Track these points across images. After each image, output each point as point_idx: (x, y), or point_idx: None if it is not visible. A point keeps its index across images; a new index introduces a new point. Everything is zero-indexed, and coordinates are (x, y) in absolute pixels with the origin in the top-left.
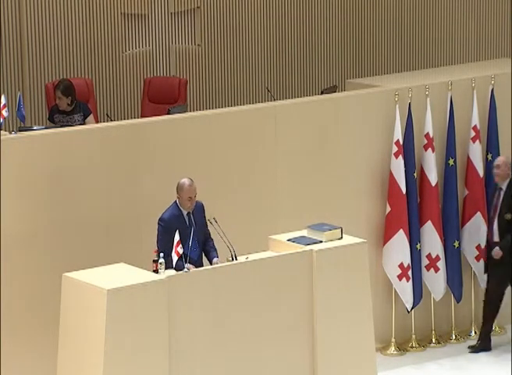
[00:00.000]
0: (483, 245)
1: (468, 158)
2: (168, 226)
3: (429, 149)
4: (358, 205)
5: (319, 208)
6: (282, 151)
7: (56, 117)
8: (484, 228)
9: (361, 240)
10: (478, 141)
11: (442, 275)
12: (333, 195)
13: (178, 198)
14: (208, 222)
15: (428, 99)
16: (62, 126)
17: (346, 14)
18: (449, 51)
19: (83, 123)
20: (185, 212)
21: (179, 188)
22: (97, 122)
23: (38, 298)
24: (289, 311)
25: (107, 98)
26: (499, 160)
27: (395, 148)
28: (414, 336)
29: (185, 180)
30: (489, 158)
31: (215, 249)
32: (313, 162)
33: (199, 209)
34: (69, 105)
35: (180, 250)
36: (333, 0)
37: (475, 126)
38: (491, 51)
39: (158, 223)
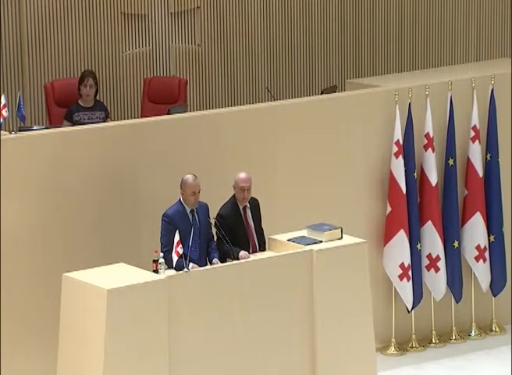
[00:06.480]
0: (483, 245)
1: (468, 158)
2: (171, 222)
3: (429, 149)
4: (358, 205)
5: (319, 208)
6: (282, 151)
7: (76, 115)
8: (483, 228)
9: (361, 240)
10: (477, 141)
11: (442, 275)
12: (333, 195)
13: (182, 194)
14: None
15: (428, 99)
16: (83, 124)
17: (346, 14)
18: (449, 51)
19: (104, 121)
20: (188, 209)
21: (183, 184)
22: None
23: (38, 298)
24: (289, 311)
25: (107, 98)
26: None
27: (395, 148)
28: (414, 336)
29: (189, 176)
30: (488, 158)
31: (216, 251)
32: (313, 162)
33: (204, 210)
34: (94, 96)
35: (180, 250)
36: (333, 0)
37: (475, 126)
38: (491, 51)
39: (162, 219)
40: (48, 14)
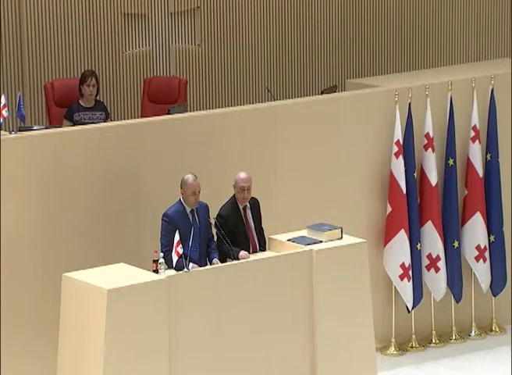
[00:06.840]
0: (483, 245)
1: (468, 158)
2: (171, 222)
3: (429, 149)
4: (358, 205)
5: (319, 208)
6: (282, 151)
7: (77, 115)
8: (483, 228)
9: (361, 240)
10: (477, 141)
11: (442, 275)
12: (333, 195)
13: (182, 194)
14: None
15: (428, 99)
16: (83, 124)
17: (346, 14)
18: (449, 51)
19: (105, 122)
20: (189, 209)
21: (183, 183)
22: None
23: (38, 298)
24: (289, 311)
25: (107, 98)
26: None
27: (395, 148)
28: (414, 336)
29: (189, 176)
30: (489, 158)
31: (217, 251)
32: (313, 162)
33: (204, 210)
34: (95, 95)
35: (180, 250)
36: (333, 0)
37: (475, 126)
38: (491, 51)
39: (162, 219)
40: (48, 14)
